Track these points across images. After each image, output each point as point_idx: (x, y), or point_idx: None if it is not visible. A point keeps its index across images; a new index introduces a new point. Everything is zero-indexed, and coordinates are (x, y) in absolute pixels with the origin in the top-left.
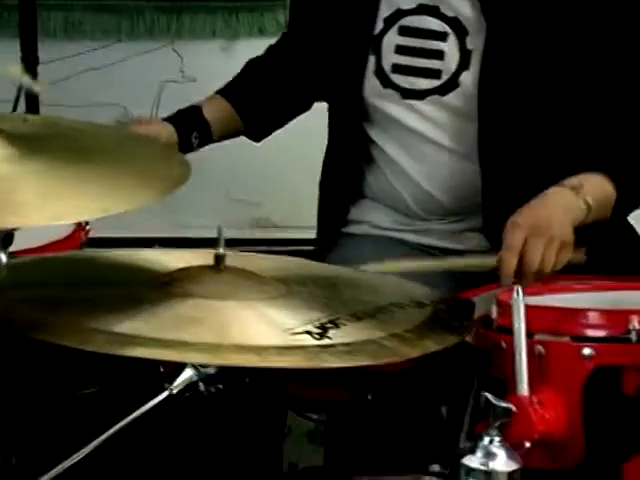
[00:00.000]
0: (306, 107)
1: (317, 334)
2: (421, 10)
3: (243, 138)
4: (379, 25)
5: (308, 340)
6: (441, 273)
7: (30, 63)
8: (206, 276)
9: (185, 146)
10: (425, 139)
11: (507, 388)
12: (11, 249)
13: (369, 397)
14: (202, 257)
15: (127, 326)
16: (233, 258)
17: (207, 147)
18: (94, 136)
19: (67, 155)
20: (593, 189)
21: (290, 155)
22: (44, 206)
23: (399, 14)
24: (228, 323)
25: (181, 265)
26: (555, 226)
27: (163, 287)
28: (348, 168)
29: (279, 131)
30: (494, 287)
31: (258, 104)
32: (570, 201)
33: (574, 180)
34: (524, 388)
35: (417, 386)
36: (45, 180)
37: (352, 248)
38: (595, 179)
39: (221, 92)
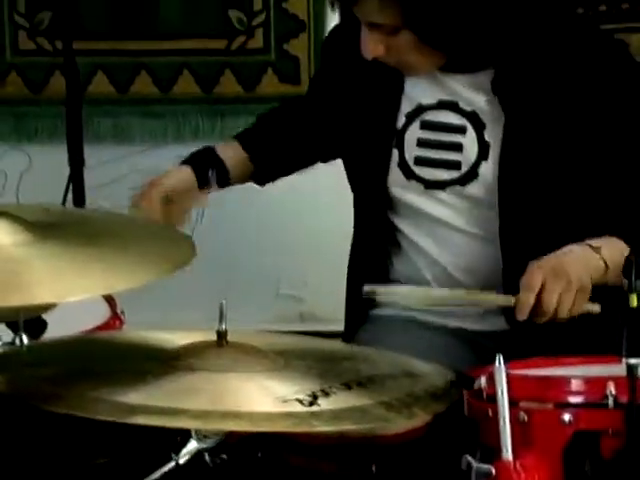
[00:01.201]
0: (310, 163)
1: (307, 402)
2: (441, 106)
3: (290, 238)
4: (401, 120)
5: (298, 407)
6: (461, 349)
7: (76, 166)
8: (209, 351)
9: (204, 182)
10: (448, 226)
11: (495, 454)
12: (46, 336)
13: (373, 468)
14: (208, 335)
15: (129, 396)
16: (238, 335)
17: (256, 246)
18: (103, 222)
19: (77, 239)
20: (611, 251)
21: (334, 251)
22: (50, 284)
23: (420, 109)
24: (224, 392)
25: (187, 342)
26: (574, 272)
27: (169, 362)
28: (375, 253)
29: (327, 223)
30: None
31: (267, 149)
32: (589, 256)
33: (594, 241)
34: (508, 453)
35: (420, 457)
36: (54, 262)
37: (379, 329)
38: (613, 242)
39: (236, 136)
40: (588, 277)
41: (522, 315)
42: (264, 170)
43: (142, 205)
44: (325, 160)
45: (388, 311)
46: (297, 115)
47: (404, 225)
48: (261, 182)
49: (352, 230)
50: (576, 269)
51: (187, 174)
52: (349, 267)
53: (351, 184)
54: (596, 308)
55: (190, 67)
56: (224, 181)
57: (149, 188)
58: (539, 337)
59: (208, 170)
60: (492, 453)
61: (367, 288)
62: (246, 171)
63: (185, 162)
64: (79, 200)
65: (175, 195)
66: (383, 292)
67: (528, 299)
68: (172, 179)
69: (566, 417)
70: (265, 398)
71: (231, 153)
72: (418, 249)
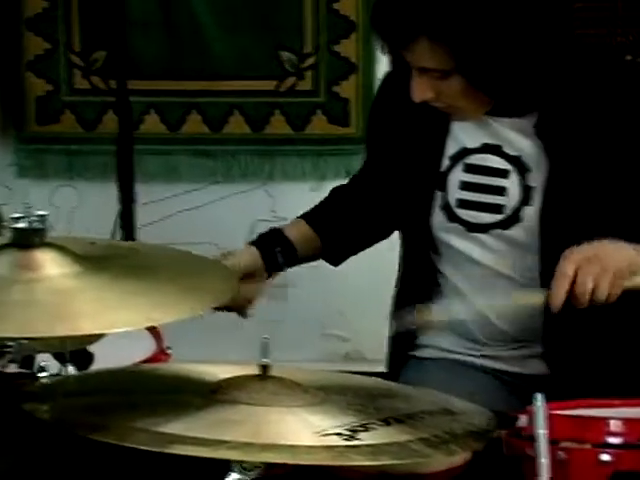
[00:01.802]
0: (384, 235)
1: (347, 436)
2: (485, 149)
3: (335, 277)
4: (445, 162)
5: (337, 441)
6: (502, 391)
7: (126, 203)
8: (250, 384)
9: (271, 264)
10: (488, 270)
11: None
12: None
13: None
14: (250, 369)
15: (170, 427)
16: (280, 370)
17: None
18: (149, 255)
19: (123, 272)
20: None
21: (380, 290)
22: (95, 316)
23: (464, 152)
24: (265, 425)
25: (229, 376)
26: (609, 258)
27: (210, 394)
28: (417, 293)
29: (372, 264)
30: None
31: (337, 229)
32: (628, 249)
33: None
34: None
35: None
36: (100, 293)
37: (420, 369)
38: None
39: (303, 216)
40: (625, 264)
41: (556, 302)
42: (335, 248)
43: None
44: (395, 229)
45: (429, 352)
46: (360, 188)
47: (445, 267)
48: (334, 262)
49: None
50: (612, 256)
51: (253, 256)
52: (392, 307)
53: (398, 225)
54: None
55: (240, 108)
56: (292, 260)
57: None
58: (580, 382)
59: (275, 250)
60: None
61: (419, 307)
62: (315, 248)
63: (251, 243)
64: (128, 237)
65: (242, 276)
66: (433, 311)
67: (561, 286)
68: (238, 258)
69: (605, 457)
70: (305, 431)
71: (297, 232)
72: (458, 292)
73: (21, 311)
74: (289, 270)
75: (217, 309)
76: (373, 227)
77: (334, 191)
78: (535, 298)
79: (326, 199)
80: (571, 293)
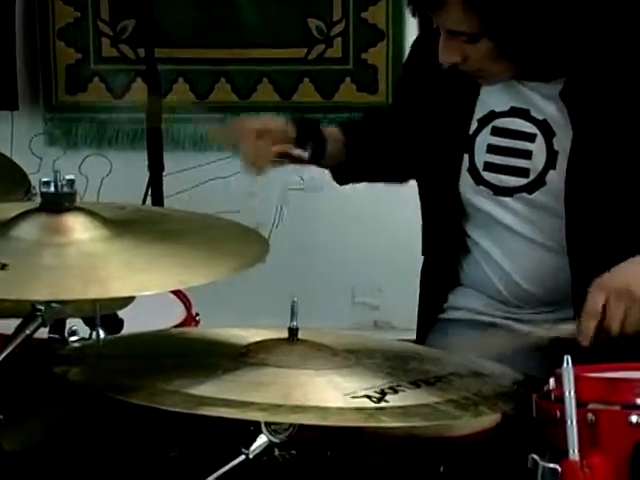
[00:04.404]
0: (400, 176)
1: (376, 398)
2: (513, 113)
3: (366, 246)
4: (473, 125)
5: (366, 403)
6: (531, 354)
7: (156, 172)
8: (280, 347)
9: (301, 144)
10: (515, 233)
11: (563, 455)
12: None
13: (441, 469)
14: (279, 333)
15: (200, 389)
16: (309, 333)
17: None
18: (178, 220)
19: (151, 236)
20: None
21: (409, 259)
22: (126, 279)
23: (492, 115)
24: (294, 387)
25: (258, 339)
26: (638, 287)
27: (239, 357)
28: (446, 258)
29: (402, 232)
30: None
31: (360, 149)
32: None
33: None
34: (575, 453)
35: (488, 458)
36: (129, 257)
37: (449, 332)
38: None
39: (341, 124)
40: None
41: (585, 341)
42: (349, 168)
43: (234, 129)
44: (405, 178)
45: (459, 314)
46: (382, 126)
47: (473, 230)
48: (340, 180)
49: None
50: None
51: (290, 126)
52: (422, 272)
53: (421, 191)
54: None
55: (269, 76)
56: (317, 156)
57: (248, 119)
58: (610, 346)
59: (309, 137)
60: (560, 454)
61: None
62: (337, 157)
63: (294, 121)
64: (158, 205)
65: (270, 134)
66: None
67: (589, 325)
68: (274, 121)
69: (634, 419)
70: (334, 393)
71: (332, 136)
72: (486, 255)
73: (52, 274)
74: None
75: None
76: (393, 162)
77: (372, 115)
78: (566, 330)
79: (364, 119)
80: (600, 326)
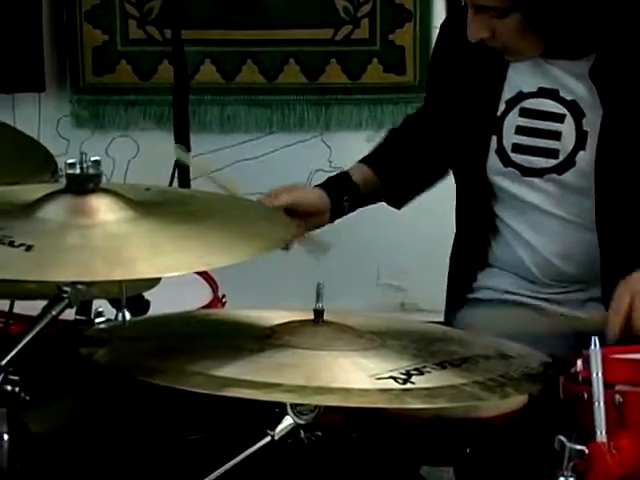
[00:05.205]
0: (442, 175)
1: (401, 380)
2: (541, 93)
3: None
4: (501, 107)
5: (392, 384)
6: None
7: None
8: (304, 329)
9: (337, 210)
10: (545, 212)
11: (590, 437)
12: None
13: (468, 450)
14: (305, 315)
15: (225, 370)
16: (335, 315)
17: (357, 234)
18: (204, 201)
19: (177, 217)
20: None
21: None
22: (151, 260)
23: (520, 97)
24: (319, 369)
25: (283, 321)
26: None
27: (264, 338)
28: (475, 238)
29: (429, 213)
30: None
31: (398, 171)
32: None
33: None
34: (602, 434)
35: (515, 440)
36: (154, 238)
37: (477, 312)
38: None
39: (364, 160)
40: None
41: (613, 337)
42: (396, 190)
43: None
44: (447, 171)
45: (488, 294)
46: (417, 128)
47: (502, 211)
48: (396, 204)
49: (453, 219)
50: None
51: (321, 198)
52: (452, 252)
53: (453, 172)
54: None
55: (296, 57)
56: (356, 205)
57: (282, 190)
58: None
59: (343, 198)
60: (587, 436)
61: None
62: (377, 192)
63: (320, 186)
64: (185, 187)
65: (303, 211)
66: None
67: (616, 322)
68: (309, 193)
69: None
70: (359, 375)
71: (362, 177)
72: (516, 235)
73: (77, 255)
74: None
75: None
76: (430, 166)
77: (391, 133)
78: (594, 322)
79: (384, 141)
80: (627, 324)
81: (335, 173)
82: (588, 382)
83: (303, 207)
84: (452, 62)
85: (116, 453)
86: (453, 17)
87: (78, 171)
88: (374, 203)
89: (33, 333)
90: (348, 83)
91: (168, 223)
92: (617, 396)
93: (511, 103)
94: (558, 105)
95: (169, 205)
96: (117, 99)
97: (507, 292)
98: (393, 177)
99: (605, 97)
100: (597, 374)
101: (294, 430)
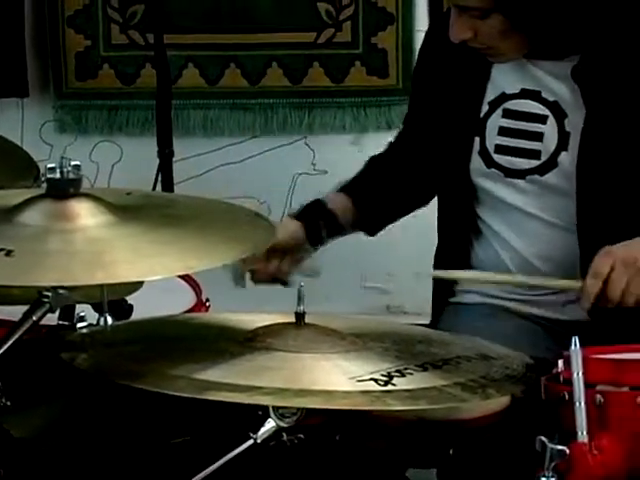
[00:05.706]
0: (422, 202)
1: (382, 381)
2: (524, 94)
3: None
4: (484, 108)
5: (373, 386)
6: (541, 337)
7: (165, 157)
8: (286, 332)
9: (315, 237)
10: (526, 214)
11: (572, 437)
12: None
13: (451, 452)
14: (286, 318)
15: (207, 374)
16: (317, 318)
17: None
18: (185, 205)
19: (158, 221)
20: None
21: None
22: (132, 264)
23: (503, 98)
24: (300, 371)
25: (265, 324)
26: None
27: (246, 342)
28: (457, 240)
29: (417, 219)
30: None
31: (375, 200)
32: None
33: None
34: (583, 435)
35: (497, 441)
36: (136, 242)
37: (460, 315)
38: None
39: (342, 188)
40: None
41: (586, 301)
42: (372, 218)
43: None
44: (426, 200)
45: (469, 298)
46: (399, 154)
47: (484, 213)
48: (370, 232)
49: (436, 221)
50: None
51: (296, 228)
52: (435, 255)
53: (436, 175)
54: None
55: (279, 60)
56: (335, 233)
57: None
58: (619, 328)
59: (319, 224)
60: (568, 436)
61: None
62: (354, 220)
63: (295, 216)
64: (168, 192)
65: (283, 249)
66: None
67: (593, 286)
68: (282, 233)
69: None
70: (341, 377)
71: (339, 204)
72: (497, 236)
73: (57, 260)
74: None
75: (259, 282)
76: (412, 193)
77: (371, 160)
78: (571, 285)
79: (364, 169)
80: (601, 293)
81: (310, 201)
82: (569, 382)
83: (280, 246)
84: (436, 67)
85: (99, 457)
86: (437, 24)
87: (58, 175)
88: (354, 231)
89: (14, 338)
90: (331, 86)
91: (149, 227)
92: (598, 396)
93: (494, 104)
94: (540, 106)
95: (150, 209)
96: (100, 104)
97: (488, 296)
98: (370, 205)
99: (587, 98)
100: (578, 374)
101: (277, 433)
